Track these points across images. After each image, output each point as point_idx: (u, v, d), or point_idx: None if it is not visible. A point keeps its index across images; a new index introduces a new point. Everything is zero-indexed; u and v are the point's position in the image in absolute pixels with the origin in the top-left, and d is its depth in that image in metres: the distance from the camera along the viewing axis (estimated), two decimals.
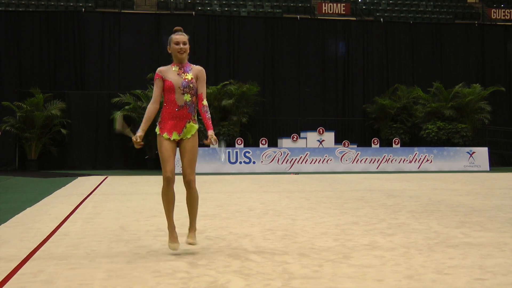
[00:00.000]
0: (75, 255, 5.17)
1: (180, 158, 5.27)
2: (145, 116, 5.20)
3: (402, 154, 20.67)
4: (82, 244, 5.73)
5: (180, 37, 5.24)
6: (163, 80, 5.19)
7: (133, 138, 5.10)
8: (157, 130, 5.25)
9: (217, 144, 5.16)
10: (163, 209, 5.31)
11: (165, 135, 5.18)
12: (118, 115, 5.48)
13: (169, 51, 5.31)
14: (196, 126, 5.26)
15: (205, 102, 5.24)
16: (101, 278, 4.31)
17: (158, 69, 5.29)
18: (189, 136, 5.21)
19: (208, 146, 5.53)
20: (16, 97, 20.72)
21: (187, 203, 5.31)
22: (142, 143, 5.14)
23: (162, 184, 5.20)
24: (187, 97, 5.17)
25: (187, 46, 5.25)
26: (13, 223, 7.30)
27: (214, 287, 4.04)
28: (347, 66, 24.17)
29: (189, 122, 5.20)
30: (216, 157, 19.38)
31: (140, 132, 5.13)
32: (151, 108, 5.21)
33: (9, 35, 21.70)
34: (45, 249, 5.47)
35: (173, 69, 5.26)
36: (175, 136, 5.18)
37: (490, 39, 25.18)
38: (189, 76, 5.22)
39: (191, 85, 5.19)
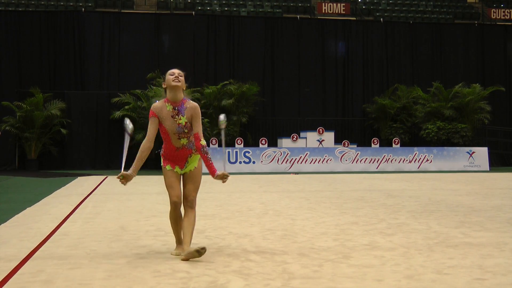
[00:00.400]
0: (75, 255, 5.18)
1: (183, 182, 5.20)
2: (138, 155, 5.03)
3: (402, 154, 20.67)
4: (82, 244, 5.73)
5: (176, 70, 5.10)
6: (159, 120, 5.04)
7: (120, 176, 4.90)
8: (161, 159, 5.22)
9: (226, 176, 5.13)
10: (171, 228, 5.31)
11: (168, 167, 5.14)
12: (127, 121, 5.21)
13: (164, 86, 5.12)
14: (199, 155, 5.19)
15: (203, 142, 5.06)
16: (101, 278, 4.31)
17: (153, 106, 5.09)
18: (192, 169, 5.15)
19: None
20: (16, 97, 20.73)
21: (183, 226, 5.04)
22: (125, 183, 4.96)
23: (168, 202, 5.20)
24: (184, 141, 5.07)
25: (183, 78, 5.07)
26: (13, 223, 7.30)
27: (214, 287, 4.04)
28: (347, 66, 24.17)
29: (191, 156, 5.15)
30: (216, 156, 19.35)
31: (131, 172, 4.96)
32: (145, 147, 5.03)
33: (9, 35, 21.70)
34: (45, 249, 5.47)
35: (167, 108, 5.04)
36: (178, 170, 5.14)
37: (490, 39, 25.18)
38: (183, 120, 5.02)
39: (186, 130, 5.04)
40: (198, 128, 5.07)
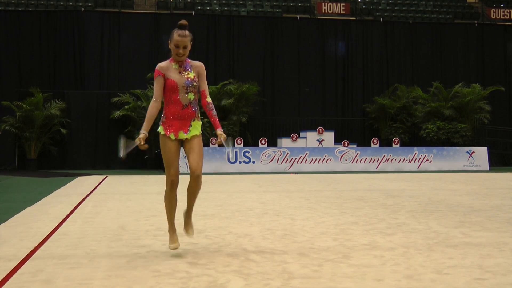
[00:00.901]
0: (75, 254, 5.17)
1: (186, 155, 5.13)
2: (147, 115, 4.95)
3: (401, 154, 20.67)
4: (82, 243, 5.72)
5: (181, 39, 5.00)
6: (165, 78, 5.04)
7: (137, 141, 4.82)
8: (161, 130, 5.08)
9: (226, 141, 5.06)
10: (165, 211, 5.25)
11: (172, 135, 5.03)
12: (121, 140, 5.07)
13: (169, 47, 5.11)
14: (200, 122, 5.21)
15: (209, 99, 5.15)
16: (100, 277, 4.30)
17: (158, 65, 5.10)
18: (194, 136, 5.11)
19: (221, 145, 5.41)
20: (15, 96, 20.72)
21: (189, 191, 5.10)
22: (146, 145, 4.86)
23: (165, 186, 5.14)
24: (191, 96, 5.05)
25: (187, 49, 5.05)
26: (12, 222, 7.30)
27: (214, 286, 4.04)
28: (347, 66, 24.17)
29: (194, 120, 5.12)
30: (216, 156, 19.37)
31: (143, 133, 4.87)
32: (153, 107, 4.97)
33: (9, 34, 21.70)
34: (44, 248, 5.46)
35: (173, 66, 5.09)
36: (181, 135, 5.06)
37: (490, 39, 25.19)
38: (191, 74, 5.08)
39: (194, 84, 5.07)
40: (205, 86, 5.16)
